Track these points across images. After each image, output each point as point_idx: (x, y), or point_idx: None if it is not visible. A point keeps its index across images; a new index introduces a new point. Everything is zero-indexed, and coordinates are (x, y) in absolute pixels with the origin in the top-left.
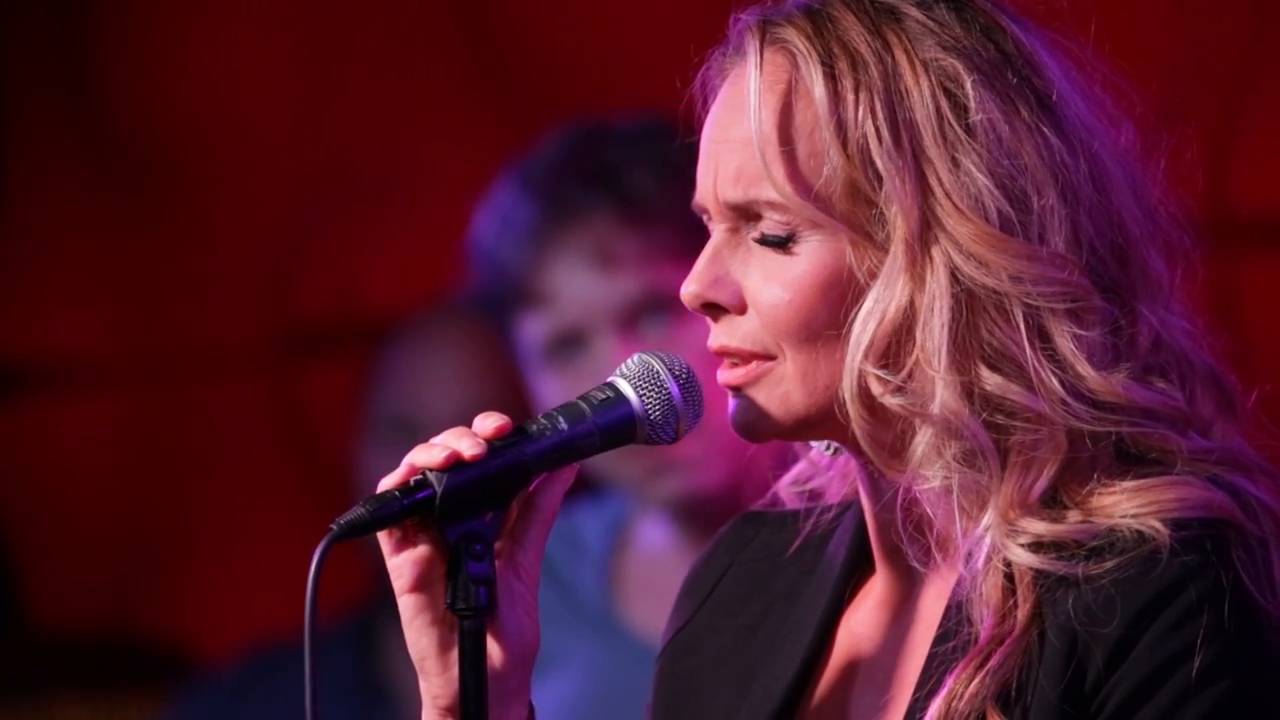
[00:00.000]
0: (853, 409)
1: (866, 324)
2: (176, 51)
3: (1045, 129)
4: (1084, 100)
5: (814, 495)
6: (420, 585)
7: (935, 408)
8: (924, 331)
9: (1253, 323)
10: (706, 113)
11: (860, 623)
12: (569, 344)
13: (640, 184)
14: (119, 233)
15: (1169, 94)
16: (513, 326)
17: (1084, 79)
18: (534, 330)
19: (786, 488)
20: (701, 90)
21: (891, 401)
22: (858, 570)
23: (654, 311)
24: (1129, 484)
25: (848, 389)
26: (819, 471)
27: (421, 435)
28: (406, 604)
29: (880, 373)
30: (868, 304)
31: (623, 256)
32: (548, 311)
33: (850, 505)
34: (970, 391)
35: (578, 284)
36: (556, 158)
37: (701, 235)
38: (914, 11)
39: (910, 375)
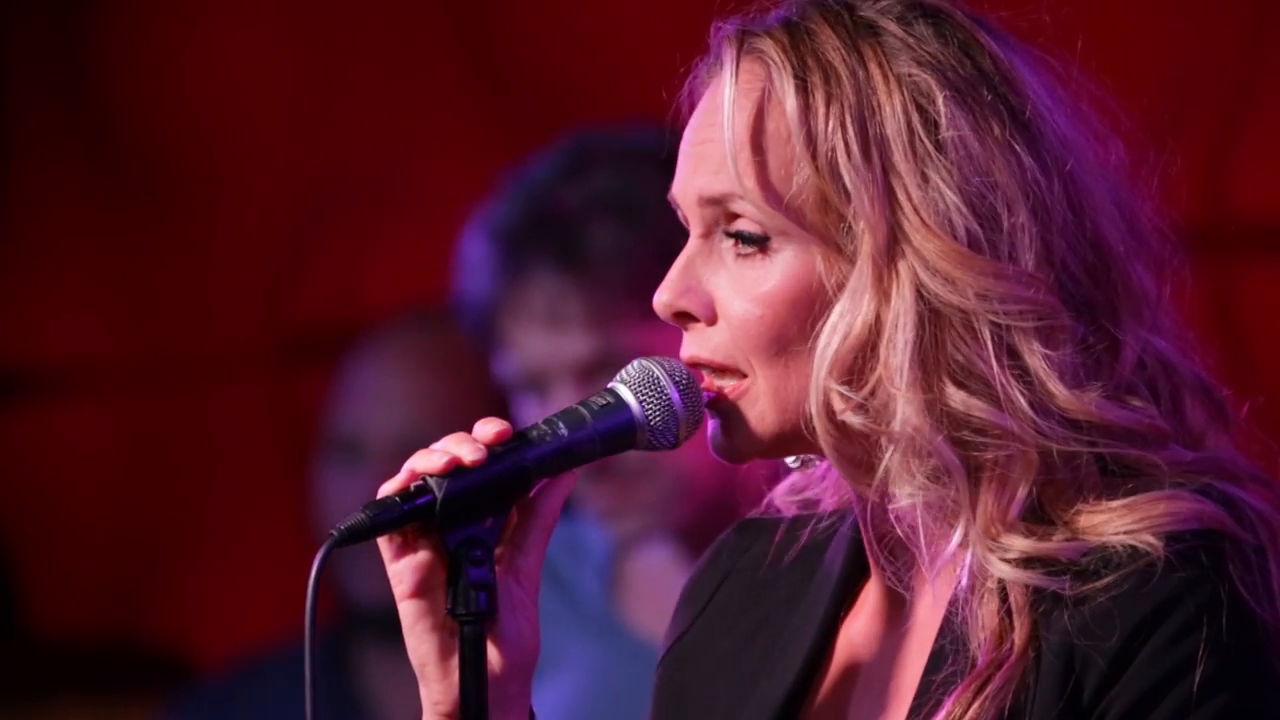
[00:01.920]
0: (819, 425)
1: (831, 339)
2: (176, 57)
3: (1018, 147)
4: (1066, 117)
5: (809, 503)
6: (421, 591)
7: (897, 425)
8: (888, 348)
9: (1251, 330)
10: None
11: (858, 632)
12: (532, 386)
13: (594, 243)
14: (119, 238)
15: (1163, 105)
16: (491, 357)
17: (1069, 95)
18: (504, 367)
19: (782, 497)
20: (689, 99)
21: (853, 419)
22: (854, 577)
23: (610, 368)
24: (1117, 503)
25: (814, 405)
26: (813, 482)
27: (367, 458)
28: (407, 610)
29: (843, 389)
30: (833, 318)
31: (572, 318)
32: (513, 354)
33: (847, 511)
34: (935, 409)
35: (531, 340)
36: (518, 206)
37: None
38: (893, 26)
39: (873, 392)
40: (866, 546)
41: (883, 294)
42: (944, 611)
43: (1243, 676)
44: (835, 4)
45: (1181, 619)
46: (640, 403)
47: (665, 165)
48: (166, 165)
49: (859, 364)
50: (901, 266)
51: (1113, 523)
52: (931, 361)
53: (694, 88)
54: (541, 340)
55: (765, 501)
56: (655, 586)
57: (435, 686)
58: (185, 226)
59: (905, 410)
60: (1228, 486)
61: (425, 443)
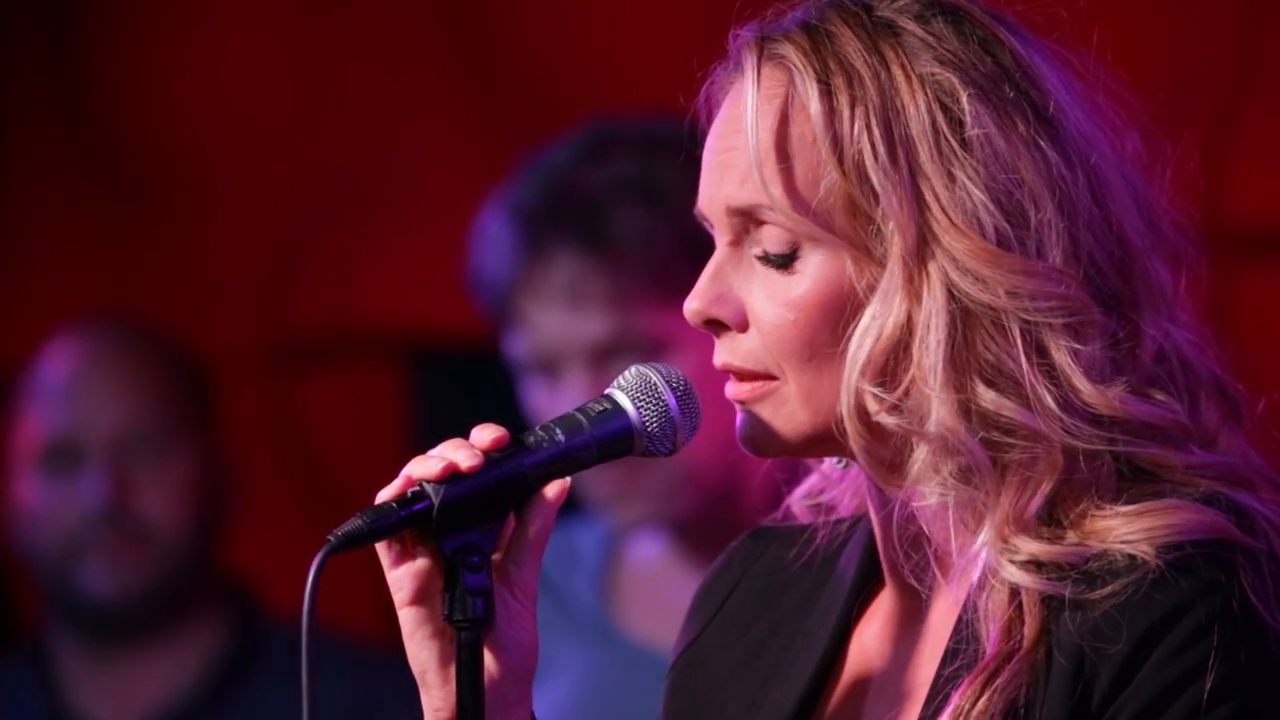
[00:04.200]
0: (850, 426)
1: (863, 341)
2: (172, 62)
3: (1043, 142)
4: (1085, 112)
5: (826, 509)
6: (420, 598)
7: (931, 425)
8: (920, 348)
9: (1250, 333)
10: (710, 126)
11: (872, 637)
12: (544, 368)
13: (618, 225)
14: (114, 243)
15: (1169, 102)
16: (505, 336)
17: (1086, 90)
18: (517, 347)
19: (799, 501)
20: (706, 105)
21: (887, 420)
22: (868, 583)
23: (623, 352)
24: (1124, 509)
25: (845, 406)
26: (831, 485)
27: (85, 460)
28: (406, 617)
29: (876, 390)
30: (864, 320)
31: (592, 298)
32: (527, 334)
33: (861, 518)
34: (967, 409)
35: (548, 319)
36: (540, 186)
37: (676, 277)
38: (912, 25)
39: (907, 393)
40: (882, 550)
41: (914, 295)
42: (958, 613)
43: (1253, 684)
44: (853, 5)
45: (1191, 626)
46: (638, 409)
47: (684, 154)
48: (162, 169)
49: (891, 365)
50: (932, 267)
51: (1115, 531)
52: (963, 361)
53: (711, 94)
54: (559, 319)
55: (783, 507)
56: (649, 592)
57: (435, 694)
58: (181, 230)
59: (940, 411)
60: (1237, 494)
61: (146, 436)
